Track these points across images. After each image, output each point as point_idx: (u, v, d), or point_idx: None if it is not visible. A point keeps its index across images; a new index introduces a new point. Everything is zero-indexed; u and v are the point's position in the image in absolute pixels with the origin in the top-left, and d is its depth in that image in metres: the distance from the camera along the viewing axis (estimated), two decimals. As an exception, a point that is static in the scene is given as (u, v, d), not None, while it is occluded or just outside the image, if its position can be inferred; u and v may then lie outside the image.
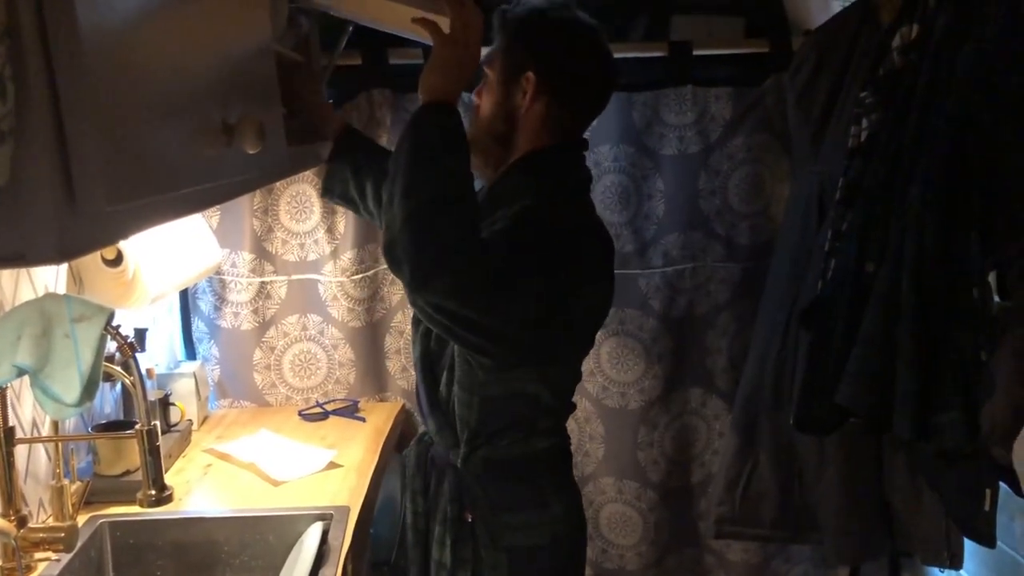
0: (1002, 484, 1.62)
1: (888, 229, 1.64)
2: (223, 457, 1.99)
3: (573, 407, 1.67)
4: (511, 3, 1.54)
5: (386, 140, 2.30)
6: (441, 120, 1.37)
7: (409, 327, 2.37)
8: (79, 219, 0.68)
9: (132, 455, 1.73)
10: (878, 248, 1.66)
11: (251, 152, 1.07)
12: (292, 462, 1.94)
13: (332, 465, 1.94)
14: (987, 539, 1.64)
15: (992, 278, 1.58)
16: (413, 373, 1.76)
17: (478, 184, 1.48)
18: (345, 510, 1.70)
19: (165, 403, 1.99)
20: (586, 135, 2.30)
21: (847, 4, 1.97)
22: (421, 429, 1.72)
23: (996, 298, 1.58)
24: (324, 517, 1.66)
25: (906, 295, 1.58)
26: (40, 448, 1.63)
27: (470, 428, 1.53)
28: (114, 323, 1.35)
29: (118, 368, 1.48)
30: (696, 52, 2.30)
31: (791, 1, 2.38)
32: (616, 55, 2.34)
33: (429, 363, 1.60)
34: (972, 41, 1.52)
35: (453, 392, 1.54)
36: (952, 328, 1.55)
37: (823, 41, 2.02)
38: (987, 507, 1.62)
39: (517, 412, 1.53)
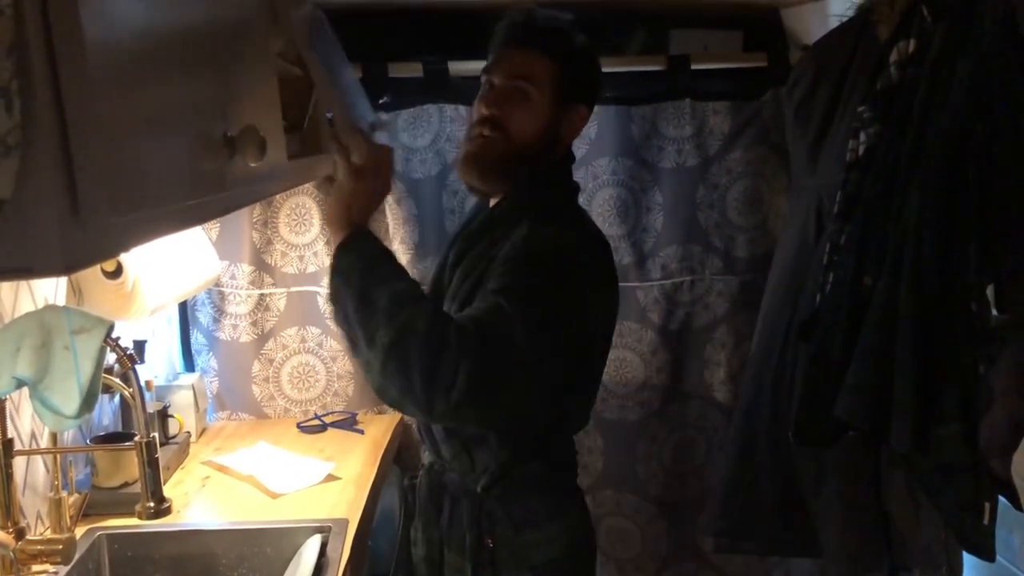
0: (1001, 498, 1.61)
1: (886, 242, 1.64)
2: (221, 469, 1.99)
3: (588, 421, 1.67)
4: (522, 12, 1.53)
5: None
6: (364, 252, 1.36)
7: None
8: (83, 232, 0.69)
9: (130, 467, 1.73)
10: (876, 261, 1.66)
11: (252, 165, 1.08)
12: (290, 475, 1.93)
13: (330, 477, 1.93)
14: (986, 553, 1.64)
15: (990, 291, 1.58)
16: None
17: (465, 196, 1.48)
18: (344, 523, 1.69)
19: (164, 415, 1.98)
20: (581, 147, 2.32)
21: (845, 19, 1.98)
22: (427, 457, 1.66)
23: (994, 311, 1.58)
24: (323, 530, 1.66)
25: (904, 308, 1.58)
26: (38, 460, 1.62)
27: (491, 451, 1.51)
28: (113, 335, 1.35)
29: (117, 380, 1.48)
30: (694, 66, 2.32)
31: (789, 15, 2.40)
32: (615, 69, 2.39)
33: None
34: (968, 56, 1.53)
35: None
36: (950, 341, 1.55)
37: (821, 55, 2.03)
38: (986, 521, 1.61)
39: (540, 429, 1.53)
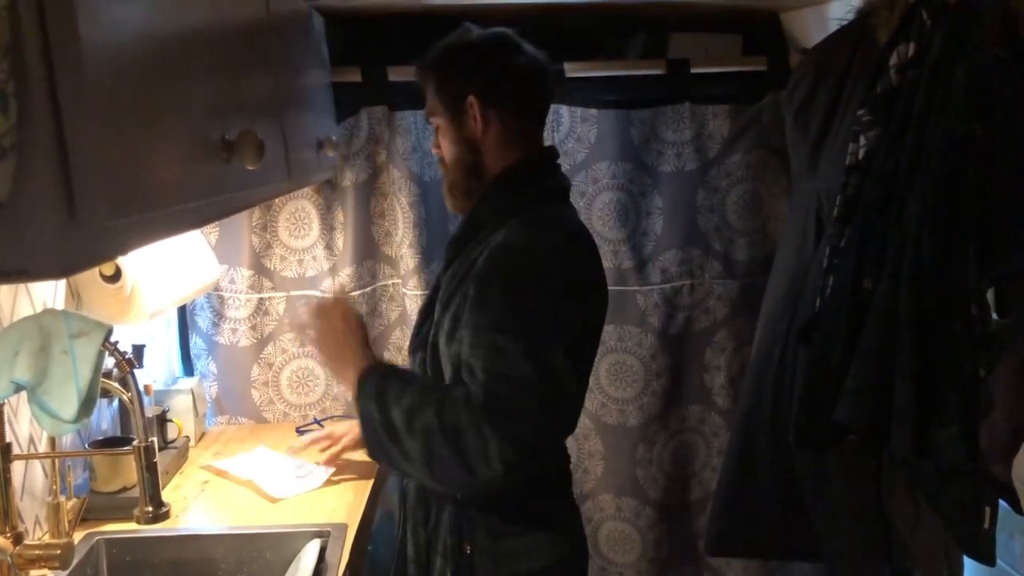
0: (1001, 502, 1.61)
1: (886, 246, 1.64)
2: (220, 474, 1.98)
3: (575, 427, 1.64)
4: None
5: (384, 157, 2.30)
6: (370, 393, 1.47)
7: (407, 343, 2.38)
8: (80, 234, 0.68)
9: (129, 472, 1.73)
10: (876, 265, 1.66)
11: (251, 168, 1.08)
12: (290, 479, 1.93)
13: (330, 482, 1.93)
14: (986, 557, 1.64)
15: (990, 295, 1.58)
16: None
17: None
18: (343, 527, 1.69)
19: (163, 419, 1.98)
20: (580, 151, 2.32)
21: (844, 23, 1.97)
22: None
23: (994, 315, 1.58)
24: (322, 534, 1.65)
25: (904, 312, 1.58)
26: (37, 464, 1.62)
27: None
28: (112, 339, 1.35)
29: (116, 384, 1.48)
30: (694, 70, 2.32)
31: (788, 19, 2.40)
32: (615, 72, 2.38)
33: None
34: (968, 59, 1.53)
35: None
36: (950, 345, 1.55)
37: (820, 59, 2.03)
38: (986, 525, 1.61)
39: None
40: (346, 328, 1.57)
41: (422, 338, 1.62)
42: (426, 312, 1.65)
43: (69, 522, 1.53)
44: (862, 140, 1.75)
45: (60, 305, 1.71)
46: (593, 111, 2.34)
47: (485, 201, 1.55)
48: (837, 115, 1.96)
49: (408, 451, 1.41)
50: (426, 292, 2.29)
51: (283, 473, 1.96)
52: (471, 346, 1.40)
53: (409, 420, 1.41)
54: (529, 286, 1.42)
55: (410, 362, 1.68)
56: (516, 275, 1.42)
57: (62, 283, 1.72)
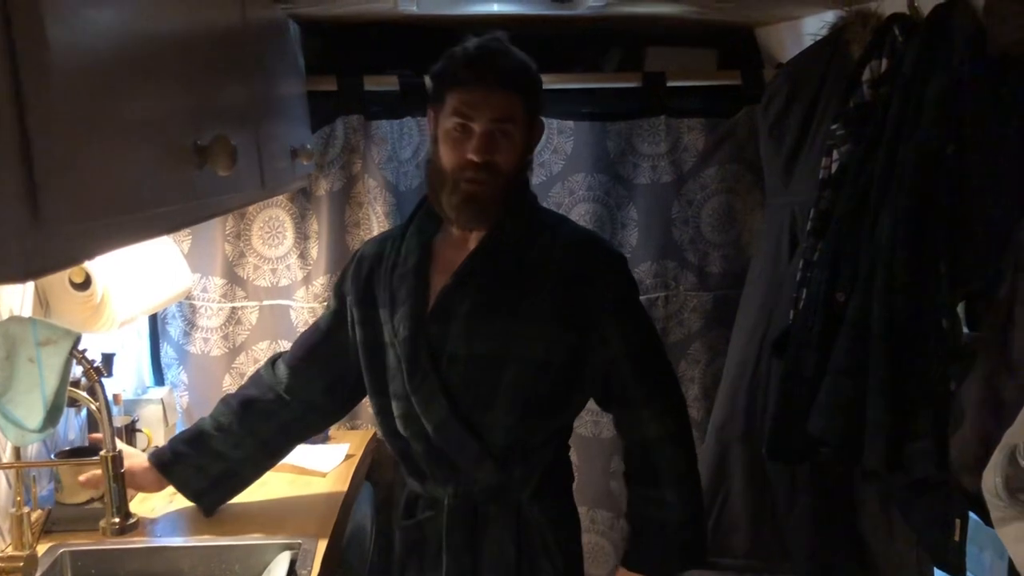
0: (972, 515, 1.62)
1: (859, 259, 1.65)
2: None
3: None
4: (468, 46, 1.54)
5: (359, 166, 2.29)
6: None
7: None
8: (45, 237, 0.67)
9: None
10: (849, 278, 1.67)
11: (223, 175, 1.07)
12: (317, 457, 2.03)
13: (299, 495, 1.91)
14: (956, 569, 1.65)
15: (961, 309, 1.59)
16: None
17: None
18: (314, 540, 1.67)
19: (132, 429, 1.95)
20: (557, 163, 2.35)
21: (818, 38, 2.00)
22: (438, 493, 1.60)
23: (965, 329, 1.59)
24: (292, 547, 1.63)
25: (876, 325, 1.59)
26: (1, 475, 1.59)
27: (532, 461, 1.58)
28: (80, 347, 1.33)
29: (84, 393, 1.46)
30: (670, 83, 2.33)
31: (763, 34, 2.42)
32: (591, 85, 2.39)
33: (461, 417, 1.54)
34: (939, 75, 1.55)
35: (510, 427, 1.54)
36: (922, 358, 1.56)
37: (795, 74, 2.05)
38: (956, 537, 1.62)
39: (569, 426, 1.68)
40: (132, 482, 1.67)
41: (427, 365, 1.55)
42: (415, 338, 1.55)
43: (33, 534, 1.50)
44: (835, 154, 1.77)
45: (27, 312, 1.68)
46: (570, 123, 2.35)
47: (514, 214, 1.56)
48: (811, 129, 1.98)
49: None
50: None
51: (306, 455, 2.01)
52: (630, 332, 1.58)
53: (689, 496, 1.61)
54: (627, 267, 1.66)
55: (418, 403, 1.56)
56: (625, 264, 1.65)
57: (29, 290, 1.69)
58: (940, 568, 1.73)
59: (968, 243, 1.55)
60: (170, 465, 1.73)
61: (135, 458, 1.75)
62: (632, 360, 1.56)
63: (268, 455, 1.79)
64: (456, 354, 1.53)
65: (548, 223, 1.63)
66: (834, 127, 1.79)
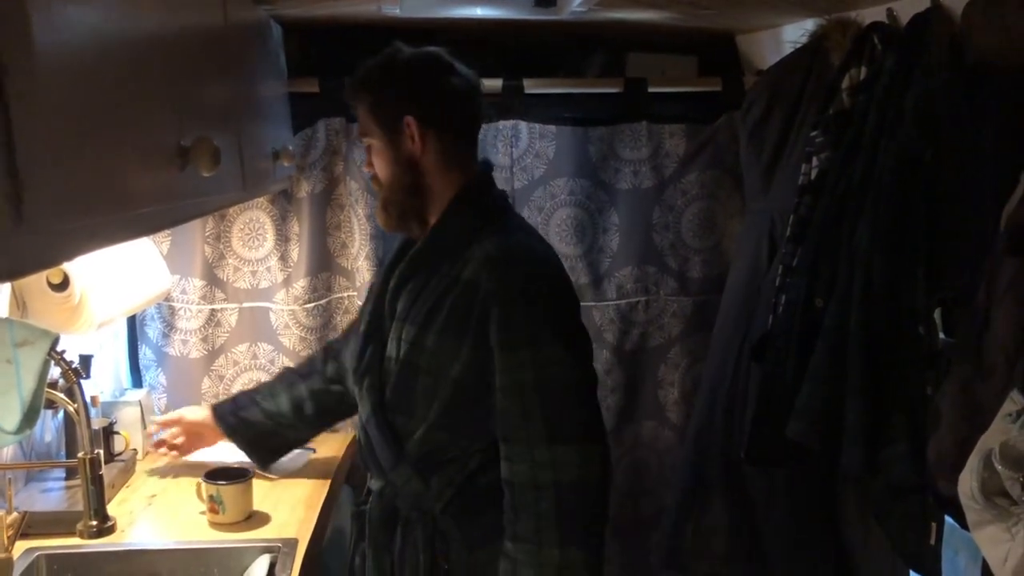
0: (948, 519, 1.64)
1: (837, 265, 1.67)
2: (201, 466, 1.92)
3: None
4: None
5: (341, 168, 2.29)
6: None
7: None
8: (27, 237, 0.67)
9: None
10: (827, 284, 1.69)
11: (206, 176, 1.06)
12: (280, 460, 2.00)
13: (279, 498, 1.90)
14: (932, 573, 1.66)
15: (938, 315, 1.61)
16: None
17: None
18: (293, 542, 1.66)
19: (109, 432, 1.94)
20: (539, 167, 2.35)
21: (798, 45, 2.01)
22: (375, 484, 1.65)
23: (941, 335, 1.61)
24: (271, 549, 1.63)
25: (854, 331, 1.61)
26: (-24, 477, 1.57)
27: (449, 473, 1.54)
28: (58, 348, 1.32)
29: (61, 395, 1.45)
30: (651, 89, 2.35)
31: (744, 41, 2.44)
32: (573, 90, 2.40)
33: (384, 415, 1.58)
34: (917, 83, 1.57)
35: (423, 438, 1.54)
36: (899, 363, 1.58)
37: (775, 81, 2.07)
38: (932, 540, 1.64)
39: (491, 436, 1.54)
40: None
41: (369, 362, 1.62)
42: (370, 335, 1.63)
43: (8, 537, 1.48)
44: (814, 161, 1.79)
45: (3, 313, 1.67)
46: (552, 127, 2.36)
47: (450, 219, 1.56)
48: (791, 136, 2.00)
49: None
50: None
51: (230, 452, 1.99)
52: (513, 366, 1.46)
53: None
54: (549, 293, 1.52)
55: (356, 389, 1.65)
56: (534, 285, 1.50)
57: (6, 291, 1.67)
58: (916, 571, 1.75)
59: (945, 250, 1.57)
60: (224, 417, 1.93)
61: (198, 411, 1.99)
62: (508, 396, 1.48)
63: (303, 419, 1.91)
64: (390, 356, 1.58)
65: (489, 232, 1.53)
66: (813, 134, 1.80)
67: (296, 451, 2.03)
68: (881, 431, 1.58)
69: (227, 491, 1.73)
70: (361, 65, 1.57)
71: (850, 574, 2.00)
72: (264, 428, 1.91)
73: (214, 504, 1.74)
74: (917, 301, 1.56)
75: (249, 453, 1.92)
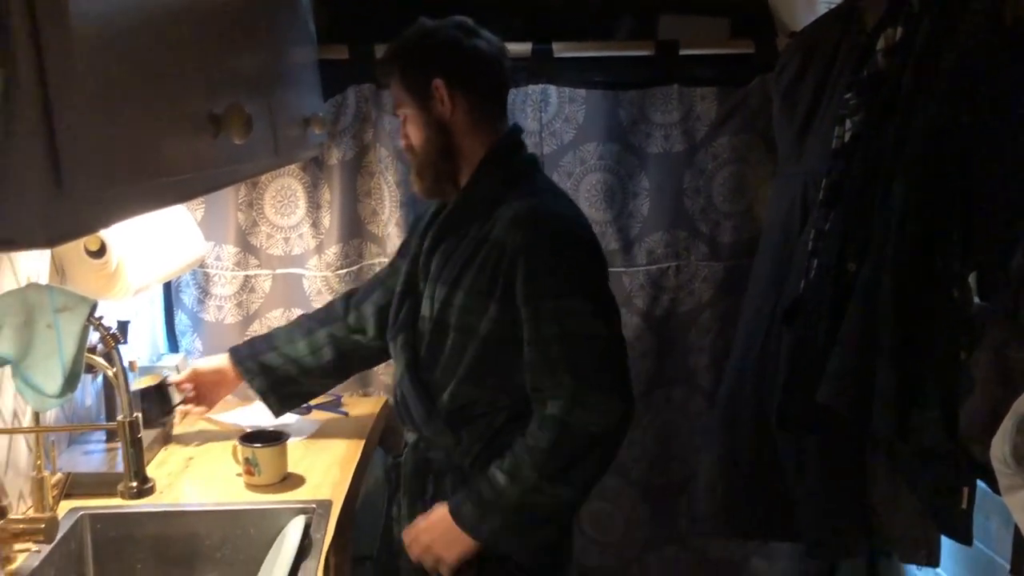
0: (980, 483, 1.63)
1: (870, 229, 1.65)
2: (237, 430, 1.98)
3: None
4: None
5: (371, 135, 2.29)
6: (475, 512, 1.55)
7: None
8: (66, 204, 0.68)
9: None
10: (860, 248, 1.67)
11: (238, 143, 1.07)
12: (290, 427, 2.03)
13: (315, 459, 1.94)
14: (964, 537, 1.66)
15: (972, 279, 1.60)
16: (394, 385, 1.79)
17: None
18: (328, 504, 1.69)
19: (163, 387, 1.96)
20: (568, 131, 2.33)
21: (832, 5, 1.98)
22: (410, 437, 1.73)
23: (976, 299, 1.59)
24: (306, 511, 1.66)
25: (886, 295, 1.59)
26: (21, 440, 1.61)
27: (479, 427, 1.60)
28: (96, 314, 1.34)
29: (100, 360, 1.47)
30: (682, 52, 2.31)
31: (777, 2, 2.40)
32: (603, 53, 2.38)
33: (418, 373, 1.65)
34: (954, 44, 1.53)
35: (454, 394, 1.60)
36: (932, 328, 1.56)
37: (808, 42, 2.04)
38: (964, 505, 1.63)
39: (523, 396, 1.59)
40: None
41: (404, 320, 1.68)
42: (405, 294, 1.70)
43: (53, 497, 1.53)
44: (848, 124, 1.76)
45: (44, 280, 1.70)
46: (581, 92, 2.34)
47: (479, 180, 1.62)
48: (824, 98, 1.97)
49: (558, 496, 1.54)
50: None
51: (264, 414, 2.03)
52: (540, 318, 1.52)
53: (508, 489, 1.51)
54: (574, 250, 1.57)
55: (391, 347, 1.73)
56: (560, 241, 1.55)
57: (46, 258, 1.71)
58: (948, 536, 1.75)
59: (981, 213, 1.55)
60: (243, 361, 1.95)
61: (212, 360, 2.02)
62: (535, 349, 1.53)
63: (321, 365, 1.94)
64: (424, 315, 1.65)
65: (517, 193, 1.59)
66: (847, 96, 1.77)
67: (311, 416, 2.09)
68: (913, 396, 1.57)
69: (262, 454, 1.76)
70: (391, 43, 1.65)
71: (880, 539, 2.00)
72: (283, 373, 1.93)
73: (250, 466, 1.77)
74: (951, 265, 1.54)
75: (265, 399, 1.95)
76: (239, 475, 1.80)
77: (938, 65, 1.56)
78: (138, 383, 1.95)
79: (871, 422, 1.62)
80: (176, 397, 2.00)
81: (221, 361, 1.99)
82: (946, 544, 1.89)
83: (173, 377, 2.02)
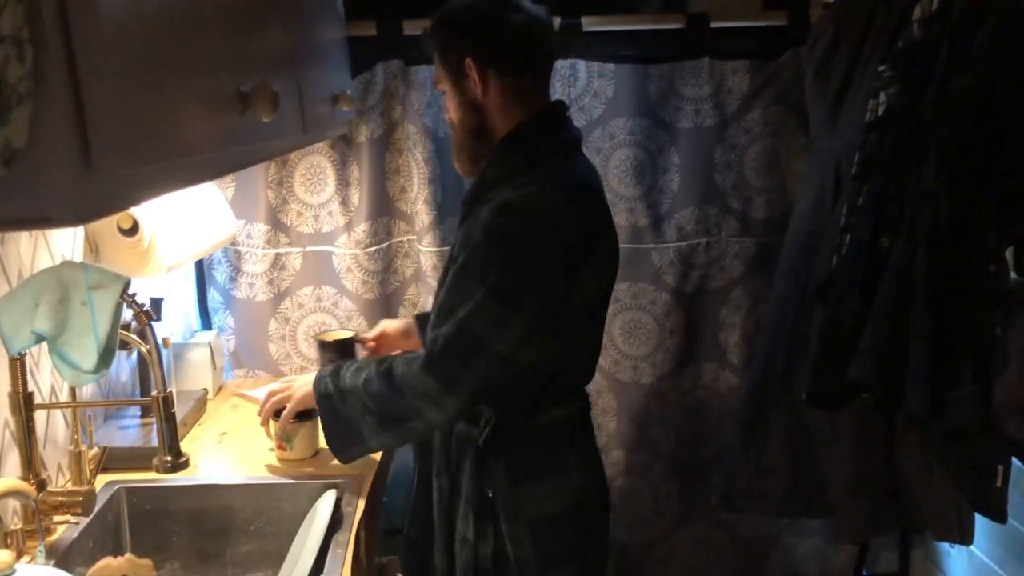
0: (1015, 460, 1.62)
1: (904, 204, 1.63)
2: (253, 400, 2.05)
3: (592, 375, 1.72)
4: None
5: (399, 112, 2.29)
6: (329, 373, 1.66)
7: (422, 300, 2.39)
8: (96, 182, 0.69)
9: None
10: (893, 223, 1.65)
11: (265, 120, 1.08)
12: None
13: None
14: (998, 515, 1.64)
15: (1010, 254, 1.57)
16: None
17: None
18: (359, 478, 1.71)
19: (350, 343, 2.03)
20: (597, 107, 2.30)
21: (867, -24, 1.94)
22: None
23: (1013, 274, 1.57)
24: (337, 485, 1.68)
25: (920, 270, 1.57)
26: (58, 414, 1.65)
27: (488, 406, 1.59)
28: (130, 292, 1.36)
29: (134, 336, 1.50)
30: (713, 24, 2.28)
31: (810, -27, 2.36)
32: (632, 27, 2.35)
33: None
34: (992, 14, 1.50)
35: None
36: (967, 304, 1.54)
37: (841, 14, 2.00)
38: (998, 483, 1.62)
39: (534, 385, 1.60)
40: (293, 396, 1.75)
41: (434, 304, 1.67)
42: (440, 281, 1.69)
43: (91, 470, 1.56)
44: (882, 97, 1.73)
45: (78, 258, 1.73)
46: (610, 66, 2.32)
47: (493, 161, 1.59)
48: (857, 71, 1.94)
49: (358, 408, 1.58)
50: (441, 249, 2.30)
51: None
52: (446, 288, 1.53)
53: (355, 376, 1.59)
54: (513, 242, 1.49)
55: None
56: (502, 230, 1.49)
57: (80, 236, 1.73)
58: (982, 514, 1.73)
59: (1018, 187, 1.52)
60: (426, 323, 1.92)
61: (404, 320, 2.08)
62: (444, 295, 1.55)
63: None
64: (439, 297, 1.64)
65: (520, 183, 1.52)
66: (881, 68, 1.74)
67: None
68: (946, 372, 1.55)
69: (295, 429, 1.79)
70: (433, 16, 1.63)
71: (912, 516, 1.98)
72: None
73: (282, 442, 1.80)
74: (987, 239, 1.52)
75: None
76: (272, 450, 1.82)
77: (976, 34, 1.52)
78: (330, 335, 2.09)
79: (903, 399, 1.61)
80: (361, 353, 2.05)
81: (407, 323, 2.03)
82: (980, 522, 1.87)
83: (365, 334, 2.07)
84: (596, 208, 1.62)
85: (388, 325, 2.03)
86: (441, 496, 1.69)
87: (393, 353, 1.80)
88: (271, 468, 1.78)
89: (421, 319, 1.96)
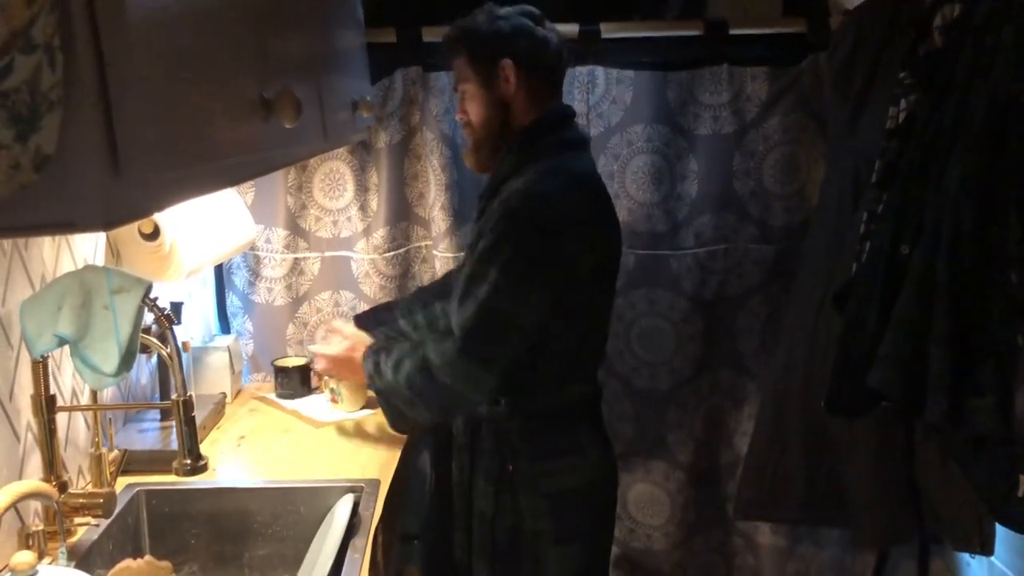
0: (1036, 470, 1.60)
1: (924, 211, 1.62)
2: (270, 403, 2.16)
3: (603, 358, 1.89)
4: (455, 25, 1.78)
5: (418, 118, 2.30)
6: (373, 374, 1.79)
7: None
8: (123, 188, 0.70)
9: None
10: (914, 230, 1.64)
11: (288, 127, 1.09)
12: (316, 408, 2.15)
13: (364, 436, 1.97)
14: (1019, 526, 1.63)
15: (1031, 262, 1.55)
16: None
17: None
18: (376, 483, 1.72)
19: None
20: (615, 113, 2.31)
21: (887, -17, 1.93)
22: None
23: (1035, 282, 1.55)
24: (355, 489, 1.68)
25: (941, 278, 1.56)
26: (79, 417, 1.66)
27: (508, 386, 1.69)
28: (151, 296, 1.37)
29: (155, 340, 1.51)
30: (732, 31, 2.28)
31: (830, -20, 2.35)
32: (651, 33, 2.36)
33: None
34: (1014, 19, 1.49)
35: None
36: (988, 312, 1.53)
37: (862, 20, 1.99)
38: (1020, 493, 1.60)
39: (553, 364, 1.72)
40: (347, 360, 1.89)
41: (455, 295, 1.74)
42: (458, 272, 1.82)
43: (111, 473, 1.57)
44: (903, 104, 1.72)
45: (100, 262, 1.74)
46: (629, 73, 2.32)
47: (509, 153, 1.72)
48: (878, 78, 1.93)
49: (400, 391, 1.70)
50: (457, 255, 2.31)
51: (310, 404, 2.19)
52: (466, 274, 1.64)
53: (395, 372, 1.71)
54: (526, 224, 1.61)
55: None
56: (516, 216, 1.61)
57: (102, 240, 1.75)
58: (1002, 524, 1.72)
59: (1040, 195, 1.50)
60: (373, 335, 2.03)
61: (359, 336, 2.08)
62: (463, 282, 1.66)
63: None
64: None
65: (532, 172, 1.67)
66: (902, 75, 1.73)
67: None
68: (967, 381, 1.54)
69: (345, 384, 2.07)
70: (456, 22, 1.77)
71: (932, 526, 1.97)
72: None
73: (334, 395, 2.10)
74: (1009, 248, 1.51)
75: None
76: (329, 401, 2.14)
77: (998, 41, 1.51)
78: (288, 362, 2.28)
79: (923, 408, 1.59)
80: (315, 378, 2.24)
81: (352, 337, 2.06)
82: (1000, 531, 1.86)
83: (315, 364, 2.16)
84: (598, 195, 1.77)
85: (331, 350, 2.01)
86: (461, 474, 1.82)
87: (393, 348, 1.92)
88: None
89: (360, 321, 2.10)
